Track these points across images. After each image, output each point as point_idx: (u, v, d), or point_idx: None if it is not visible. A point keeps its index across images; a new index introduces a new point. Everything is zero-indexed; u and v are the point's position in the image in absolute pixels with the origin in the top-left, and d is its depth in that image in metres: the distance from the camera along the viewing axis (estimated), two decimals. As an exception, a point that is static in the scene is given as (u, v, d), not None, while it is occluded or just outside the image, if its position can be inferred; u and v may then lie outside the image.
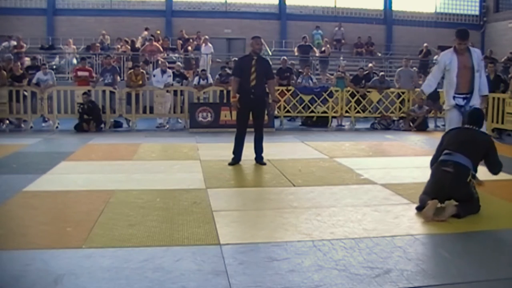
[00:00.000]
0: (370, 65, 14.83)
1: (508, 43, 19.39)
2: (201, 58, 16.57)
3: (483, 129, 5.09)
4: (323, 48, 18.14)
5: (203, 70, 13.39)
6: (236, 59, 14.28)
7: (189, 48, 17.37)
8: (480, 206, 4.65)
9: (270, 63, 8.10)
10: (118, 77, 12.81)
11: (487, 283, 3.24)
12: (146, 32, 17.52)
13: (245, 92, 7.04)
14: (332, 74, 15.35)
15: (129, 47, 16.68)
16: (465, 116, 5.19)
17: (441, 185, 4.58)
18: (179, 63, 13.92)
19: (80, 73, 12.40)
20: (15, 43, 16.12)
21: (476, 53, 5.81)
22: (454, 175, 4.50)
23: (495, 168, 4.78)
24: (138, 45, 17.01)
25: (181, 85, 12.50)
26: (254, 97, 7.04)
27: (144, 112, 12.14)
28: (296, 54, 17.05)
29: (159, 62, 13.27)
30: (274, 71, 12.62)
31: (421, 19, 22.02)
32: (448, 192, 4.54)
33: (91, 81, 12.18)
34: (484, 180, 5.38)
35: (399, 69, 13.58)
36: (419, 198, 4.79)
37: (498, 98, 10.89)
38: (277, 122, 12.15)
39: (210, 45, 17.07)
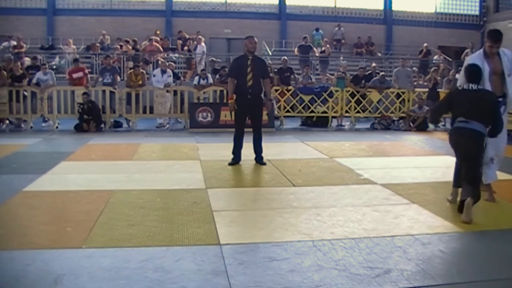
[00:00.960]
0: (373, 65, 14.78)
1: (508, 43, 19.32)
2: (196, 58, 16.52)
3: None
4: (323, 48, 18.14)
5: (203, 70, 13.40)
6: (214, 59, 14.37)
7: (185, 48, 17.30)
8: (480, 194, 4.69)
9: (266, 62, 8.06)
10: (118, 77, 12.81)
11: (487, 283, 3.24)
12: (155, 37, 17.37)
13: (242, 92, 7.01)
14: (332, 74, 15.33)
15: (130, 47, 16.64)
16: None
17: (461, 145, 4.75)
18: (172, 63, 13.86)
19: (74, 75, 12.30)
20: (15, 43, 16.10)
21: (506, 56, 5.42)
22: (471, 137, 4.65)
23: (496, 127, 4.82)
24: (142, 45, 16.91)
25: (176, 85, 12.49)
26: (251, 97, 7.02)
27: (144, 112, 12.14)
28: (296, 54, 17.05)
29: (159, 62, 13.26)
30: (275, 71, 12.70)
31: (421, 19, 22.02)
32: (466, 148, 4.72)
33: (87, 83, 12.14)
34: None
35: (396, 69, 13.58)
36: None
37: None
38: (277, 122, 12.15)
39: (203, 44, 17.01)
